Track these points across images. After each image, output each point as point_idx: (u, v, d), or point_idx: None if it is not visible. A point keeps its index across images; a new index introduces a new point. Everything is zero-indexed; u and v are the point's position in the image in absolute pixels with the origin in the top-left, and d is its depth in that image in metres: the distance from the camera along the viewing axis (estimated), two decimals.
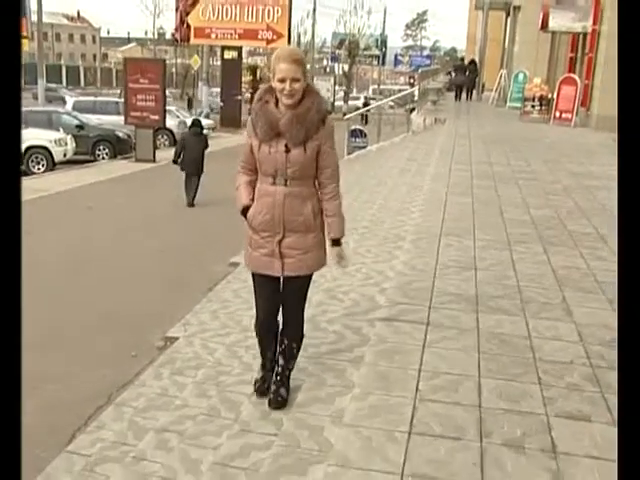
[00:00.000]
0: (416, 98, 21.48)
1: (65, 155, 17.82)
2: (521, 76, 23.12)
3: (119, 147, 19.89)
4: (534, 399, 3.18)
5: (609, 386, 3.32)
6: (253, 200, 3.33)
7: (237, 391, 3.77)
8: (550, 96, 19.02)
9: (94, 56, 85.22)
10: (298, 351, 3.56)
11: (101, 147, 19.77)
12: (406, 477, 2.53)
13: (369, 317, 4.32)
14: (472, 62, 27.81)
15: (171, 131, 23.03)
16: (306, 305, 3.53)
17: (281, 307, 3.50)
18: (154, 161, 18.03)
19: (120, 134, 19.97)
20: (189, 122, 25.06)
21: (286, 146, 3.17)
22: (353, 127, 17.59)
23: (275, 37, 27.35)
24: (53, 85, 48.40)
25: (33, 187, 13.83)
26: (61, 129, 18.76)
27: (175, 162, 11.62)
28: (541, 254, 5.61)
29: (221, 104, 28.35)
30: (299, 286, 3.43)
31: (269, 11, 27.56)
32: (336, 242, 3.39)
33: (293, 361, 3.57)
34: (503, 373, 3.44)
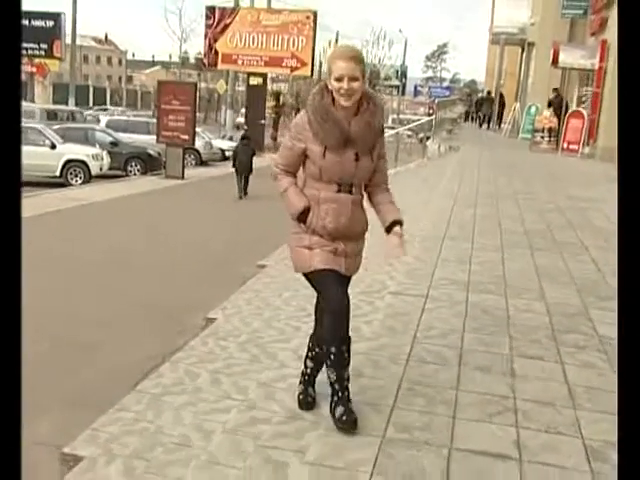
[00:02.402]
0: (433, 127, 22.59)
1: (101, 169, 19.04)
2: (533, 109, 24.19)
3: (150, 164, 21.01)
4: (503, 346, 4.21)
5: (563, 341, 4.34)
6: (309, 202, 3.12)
7: (276, 347, 4.65)
8: (559, 128, 20.09)
9: (119, 78, 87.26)
10: (349, 355, 3.20)
11: (133, 163, 20.96)
12: (403, 382, 3.55)
13: (380, 294, 5.35)
14: (501, 96, 30.69)
15: (198, 151, 24.18)
16: None
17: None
18: (183, 178, 19.15)
19: (151, 152, 21.14)
20: (216, 143, 26.39)
21: (356, 154, 3.06)
22: None
23: (299, 65, 28.51)
24: (110, 107, 49.70)
25: (74, 197, 15.01)
26: (97, 145, 20.06)
27: (234, 166, 15.31)
28: (528, 256, 6.64)
29: (246, 127, 29.60)
30: (347, 285, 3.30)
31: (294, 40, 28.65)
32: (396, 224, 3.29)
33: (348, 369, 3.21)
34: (482, 330, 4.46)
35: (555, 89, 22.96)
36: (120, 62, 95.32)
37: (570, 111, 19.98)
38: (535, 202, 10.03)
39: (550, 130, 20.23)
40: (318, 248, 3.14)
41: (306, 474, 2.77)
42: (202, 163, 24.60)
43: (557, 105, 21.45)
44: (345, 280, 3.25)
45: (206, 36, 30.19)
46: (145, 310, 6.91)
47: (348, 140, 3.03)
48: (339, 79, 2.93)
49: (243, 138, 16.16)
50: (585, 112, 19.22)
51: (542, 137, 20.31)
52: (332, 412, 3.18)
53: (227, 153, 26.66)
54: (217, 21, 29.30)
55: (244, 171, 15.01)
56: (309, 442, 3.08)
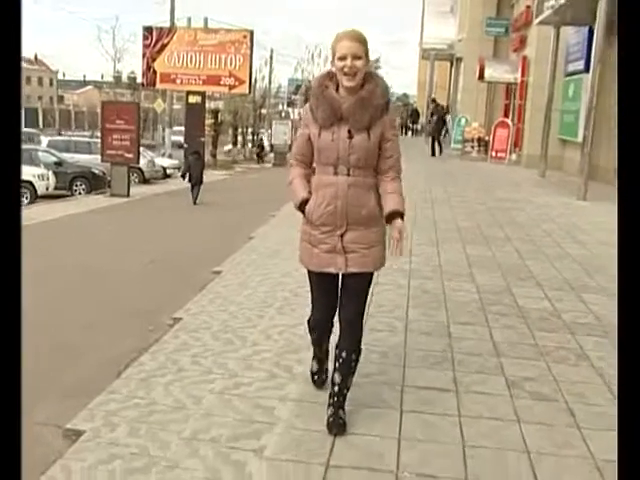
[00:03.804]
0: None
1: (47, 189, 19.25)
2: (463, 120, 25.54)
3: (95, 183, 21.31)
4: (442, 316, 5.06)
5: (490, 311, 5.22)
6: (310, 193, 3.14)
7: (247, 332, 5.24)
8: (487, 138, 21.40)
9: (51, 98, 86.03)
10: (357, 364, 3.29)
11: (78, 183, 21.21)
12: (361, 345, 4.30)
13: None
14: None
15: (141, 169, 24.51)
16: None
17: (338, 312, 3.29)
18: (128, 196, 19.51)
19: (96, 171, 21.47)
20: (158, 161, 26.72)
21: (349, 132, 3.00)
22: None
23: (237, 83, 29.08)
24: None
25: (23, 216, 15.28)
26: (41, 165, 20.26)
27: (183, 177, 17.07)
28: (460, 248, 7.55)
29: (185, 145, 29.97)
30: (361, 285, 3.18)
31: (231, 59, 29.17)
32: (396, 215, 3.11)
33: (351, 378, 3.30)
34: (423, 306, 5.30)
35: (434, 100, 24.13)
36: (51, 82, 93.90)
37: (497, 121, 21.31)
38: (467, 204, 11.04)
39: (479, 140, 21.52)
40: (317, 246, 3.16)
41: (293, 409, 3.49)
42: (145, 181, 24.97)
43: (439, 115, 22.57)
44: (347, 279, 3.16)
45: (144, 56, 30.44)
46: (111, 313, 7.33)
47: (341, 118, 3.02)
48: (342, 58, 2.95)
49: (195, 153, 17.92)
50: (511, 122, 20.58)
51: (472, 147, 21.58)
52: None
53: (169, 171, 27.12)
54: (155, 41, 29.66)
55: (196, 181, 16.86)
56: (290, 390, 3.80)
